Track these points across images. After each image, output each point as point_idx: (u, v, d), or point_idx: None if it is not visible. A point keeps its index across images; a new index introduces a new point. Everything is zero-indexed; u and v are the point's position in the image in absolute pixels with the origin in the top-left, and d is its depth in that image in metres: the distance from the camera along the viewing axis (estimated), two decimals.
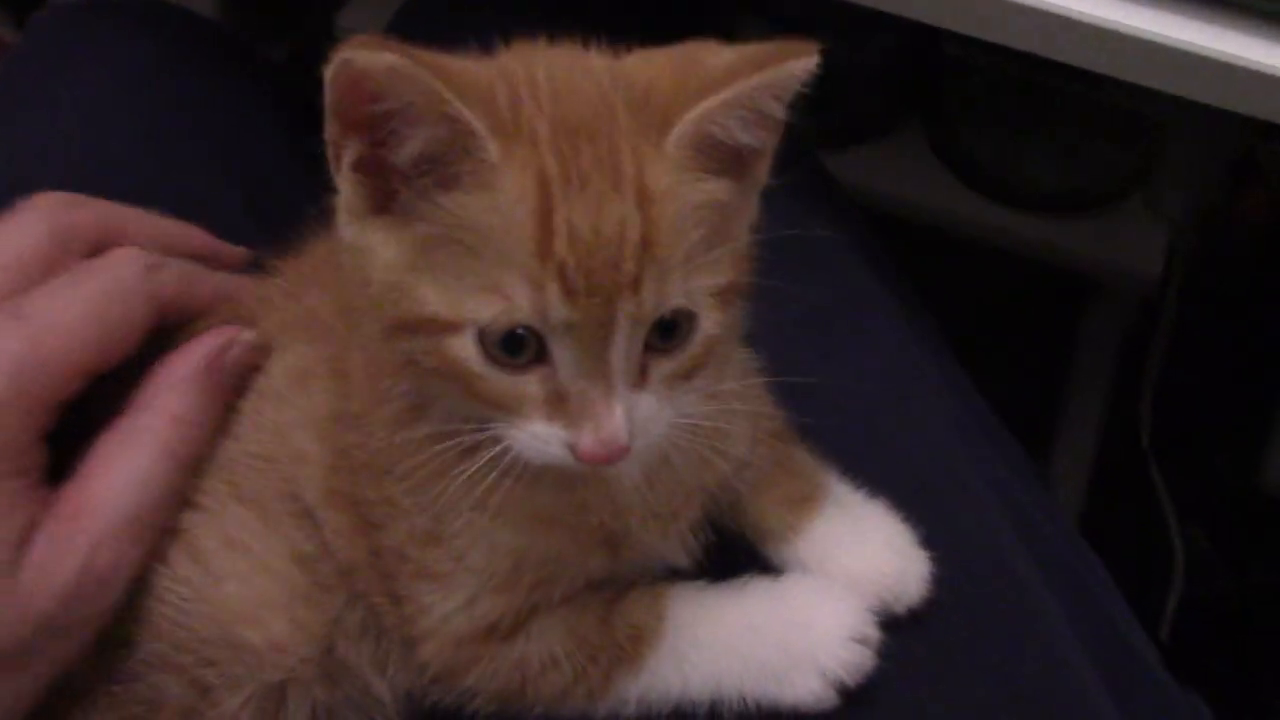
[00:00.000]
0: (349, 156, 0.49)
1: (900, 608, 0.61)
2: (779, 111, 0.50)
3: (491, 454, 0.50)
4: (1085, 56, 0.66)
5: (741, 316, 0.54)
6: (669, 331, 0.49)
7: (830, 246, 0.77)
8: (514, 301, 0.46)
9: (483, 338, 0.47)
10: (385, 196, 0.49)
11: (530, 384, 0.48)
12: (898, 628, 0.60)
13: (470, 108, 0.46)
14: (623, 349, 0.48)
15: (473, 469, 0.51)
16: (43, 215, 0.62)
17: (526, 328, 0.47)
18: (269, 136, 0.86)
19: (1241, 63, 0.62)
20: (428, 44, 0.48)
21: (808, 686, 0.56)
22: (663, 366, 0.50)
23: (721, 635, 0.57)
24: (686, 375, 0.51)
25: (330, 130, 0.49)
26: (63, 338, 0.57)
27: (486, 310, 0.47)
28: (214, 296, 0.64)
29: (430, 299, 0.48)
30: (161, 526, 0.58)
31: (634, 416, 0.49)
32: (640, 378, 0.49)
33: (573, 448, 0.48)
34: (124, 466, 0.57)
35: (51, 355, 0.56)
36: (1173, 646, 1.42)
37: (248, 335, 0.61)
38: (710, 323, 0.50)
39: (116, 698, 0.59)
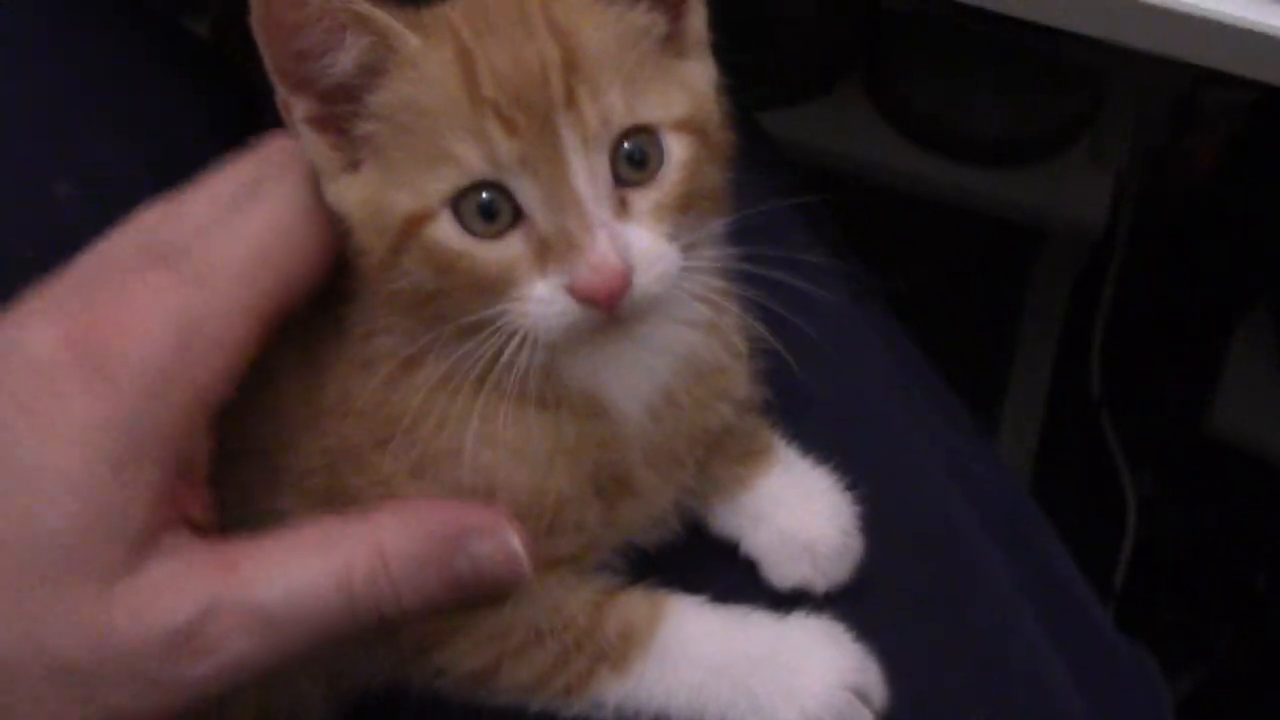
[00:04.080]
0: (300, 111, 0.51)
1: (822, 584, 0.61)
2: None
3: (515, 343, 0.50)
4: (1025, 6, 0.64)
5: (724, 179, 0.54)
6: (638, 161, 0.50)
7: (755, 197, 0.76)
8: (463, 159, 0.48)
9: (457, 214, 0.49)
10: (350, 146, 0.51)
11: (515, 244, 0.49)
12: (843, 595, 0.60)
13: (382, 9, 0.49)
14: (585, 174, 0.48)
15: (499, 364, 0.50)
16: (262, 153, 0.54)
17: (488, 184, 0.48)
18: (188, 111, 0.83)
19: (1182, 8, 0.61)
20: None
21: None
22: (646, 197, 0.50)
23: (716, 656, 0.56)
24: (679, 207, 0.51)
25: (278, 91, 0.51)
26: (236, 285, 0.48)
27: (445, 181, 0.48)
28: None
29: (401, 200, 0.49)
30: (302, 654, 0.48)
31: (631, 245, 0.49)
32: (622, 209, 0.50)
33: (572, 289, 0.48)
34: (294, 562, 0.48)
35: (225, 307, 0.48)
36: (1125, 593, 1.44)
37: (514, 543, 0.50)
38: (680, 148, 0.51)
39: None
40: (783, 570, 0.61)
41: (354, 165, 0.51)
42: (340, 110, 0.51)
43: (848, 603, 0.60)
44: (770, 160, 0.86)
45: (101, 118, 0.78)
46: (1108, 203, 1.37)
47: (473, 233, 0.49)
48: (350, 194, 0.51)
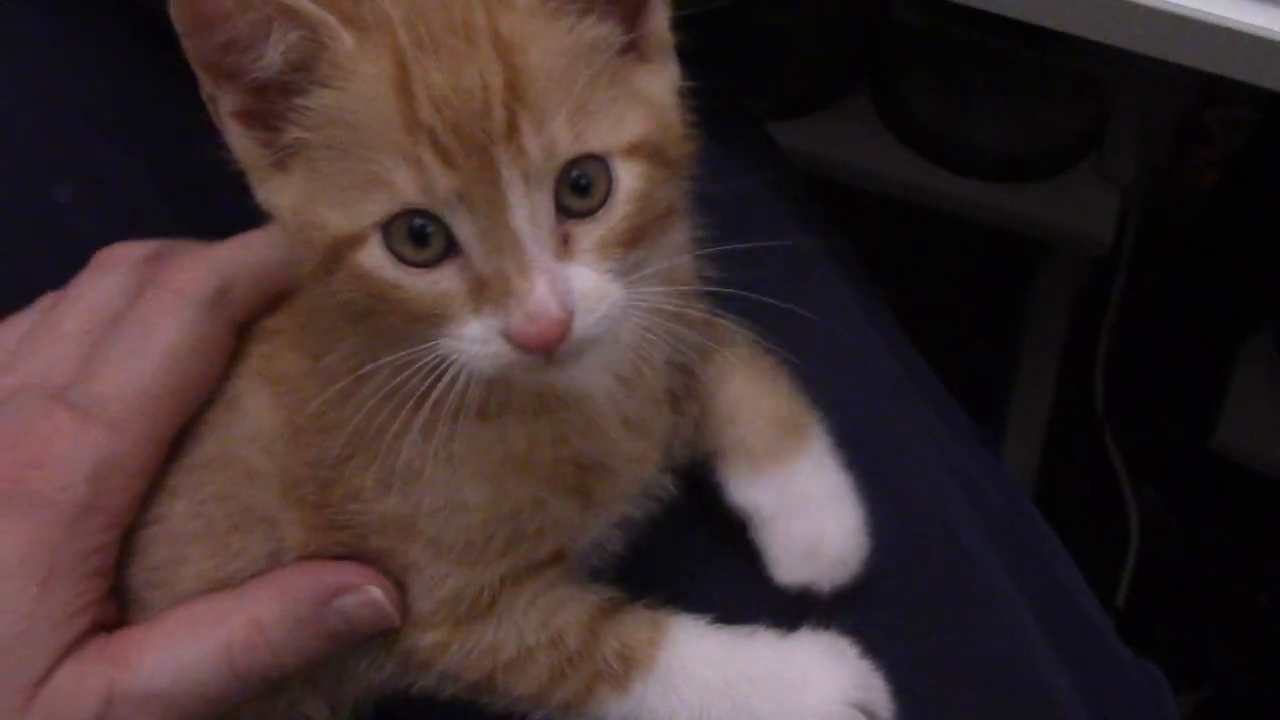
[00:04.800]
0: (226, 105, 0.48)
1: (826, 585, 0.60)
2: None
3: (450, 375, 0.48)
4: (1032, 9, 0.64)
5: (681, 191, 0.51)
6: (584, 190, 0.47)
7: (766, 207, 0.76)
8: (397, 186, 0.45)
9: (388, 240, 0.46)
10: (278, 144, 0.48)
11: (448, 278, 0.46)
12: (847, 603, 0.60)
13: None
14: (525, 211, 0.45)
15: (434, 393, 0.49)
16: (123, 271, 0.59)
17: (421, 212, 0.45)
18: (188, 114, 0.83)
19: (1194, 15, 0.61)
20: None
21: None
22: (590, 232, 0.47)
23: (718, 678, 0.55)
24: (626, 242, 0.47)
25: (203, 84, 0.48)
26: (141, 423, 0.54)
27: (376, 205, 0.45)
28: (286, 277, 0.60)
29: (331, 220, 0.47)
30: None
31: (572, 289, 0.46)
32: (564, 247, 0.47)
33: (507, 335, 0.46)
34: (178, 643, 0.54)
35: (132, 443, 0.54)
36: (1129, 608, 1.43)
37: (376, 593, 0.55)
38: (631, 177, 0.47)
39: None
40: (788, 570, 0.60)
41: (282, 165, 0.49)
42: (270, 106, 0.48)
43: (852, 611, 0.59)
44: (774, 171, 0.86)
45: (101, 121, 0.78)
46: (1113, 219, 1.36)
47: (403, 258, 0.46)
48: (280, 199, 0.49)
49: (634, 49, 0.50)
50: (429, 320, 0.47)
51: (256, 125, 0.48)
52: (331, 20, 0.45)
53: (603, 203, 0.47)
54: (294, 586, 0.55)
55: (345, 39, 0.46)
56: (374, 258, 0.46)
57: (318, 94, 0.46)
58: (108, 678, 0.52)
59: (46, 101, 0.77)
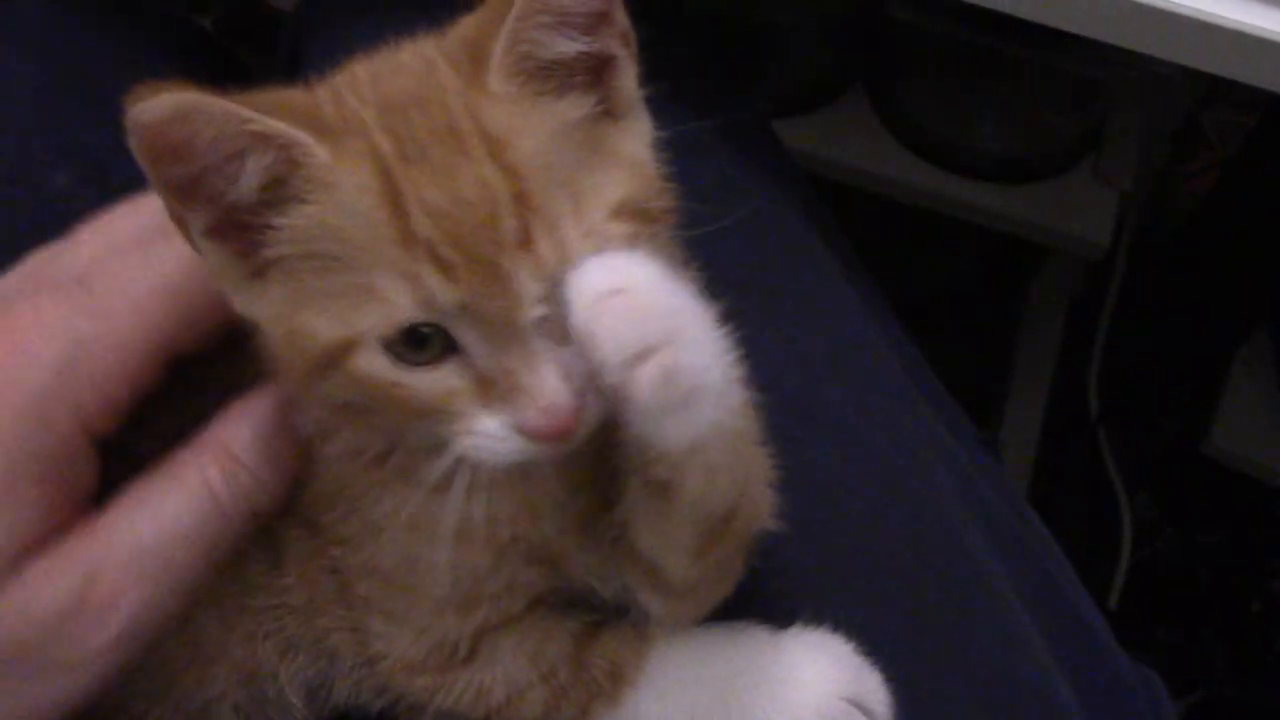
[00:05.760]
0: (196, 226, 0.46)
1: None
2: (587, 5, 0.46)
3: (459, 473, 0.47)
4: (1030, 7, 0.64)
5: (667, 243, 0.49)
6: None
7: (771, 208, 0.75)
8: (392, 301, 0.43)
9: (386, 343, 0.44)
10: (255, 255, 0.46)
11: (450, 375, 0.45)
12: (843, 604, 0.59)
13: (280, 117, 0.43)
14: (535, 311, 0.44)
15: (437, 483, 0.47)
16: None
17: (420, 322, 0.44)
18: None
19: (1193, 14, 0.61)
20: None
21: None
22: None
23: (709, 677, 0.55)
24: None
25: (167, 206, 0.46)
26: (132, 315, 0.49)
27: (373, 318, 0.44)
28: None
29: (320, 328, 0.45)
30: (198, 579, 0.51)
31: (579, 372, 0.45)
32: (564, 331, 0.45)
33: (522, 430, 0.45)
34: (151, 496, 0.49)
35: (117, 336, 0.49)
36: (1122, 612, 1.43)
37: None
38: (620, 246, 0.46)
39: None
40: None
41: (260, 273, 0.46)
42: (243, 219, 0.45)
43: (849, 614, 0.59)
44: (780, 169, 0.86)
45: (103, 108, 0.77)
46: (1110, 223, 1.36)
47: (403, 361, 0.45)
48: (260, 309, 0.47)
49: (603, 109, 0.48)
50: (434, 416, 0.46)
51: (231, 238, 0.46)
52: (305, 138, 0.44)
53: None
54: (253, 406, 0.51)
55: (320, 154, 0.44)
56: (371, 361, 0.45)
57: (295, 210, 0.44)
58: (84, 556, 0.48)
59: (49, 88, 0.77)
